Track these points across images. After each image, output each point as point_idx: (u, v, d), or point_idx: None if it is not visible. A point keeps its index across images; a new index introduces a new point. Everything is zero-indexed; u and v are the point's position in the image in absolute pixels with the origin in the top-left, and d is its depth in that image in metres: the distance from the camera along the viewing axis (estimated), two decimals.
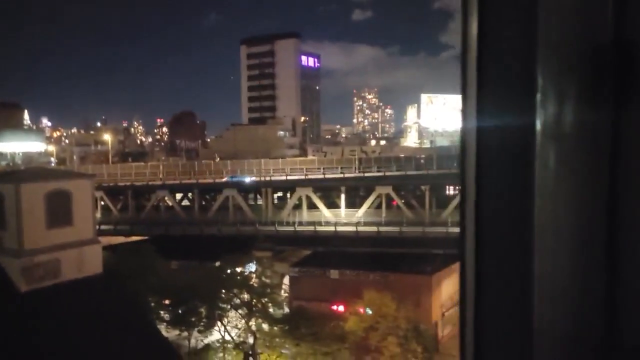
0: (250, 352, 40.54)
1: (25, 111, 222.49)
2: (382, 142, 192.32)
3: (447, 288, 55.28)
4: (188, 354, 40.94)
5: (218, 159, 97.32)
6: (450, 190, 72.72)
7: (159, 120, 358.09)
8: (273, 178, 70.41)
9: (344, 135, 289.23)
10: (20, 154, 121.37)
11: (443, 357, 47.31)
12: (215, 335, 42.64)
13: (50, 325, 26.35)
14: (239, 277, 46.52)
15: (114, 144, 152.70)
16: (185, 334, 42.72)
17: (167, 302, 43.71)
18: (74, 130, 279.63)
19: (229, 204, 69.72)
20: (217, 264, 52.64)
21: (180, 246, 61.73)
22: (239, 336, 41.77)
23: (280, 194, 78.24)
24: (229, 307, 43.43)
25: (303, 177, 69.21)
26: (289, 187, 71.21)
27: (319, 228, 64.46)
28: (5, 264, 28.79)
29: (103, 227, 61.61)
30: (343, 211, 66.60)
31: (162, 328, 39.40)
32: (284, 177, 70.33)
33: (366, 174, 68.33)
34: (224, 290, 44.14)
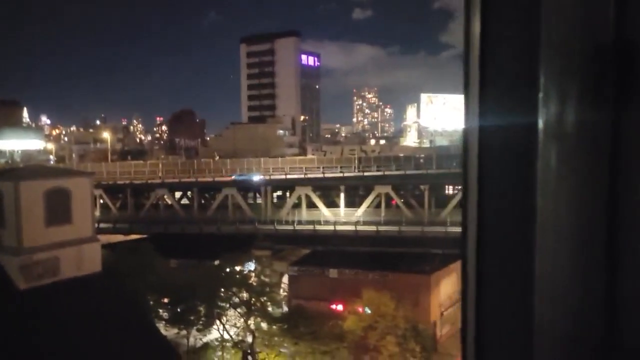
0: (249, 351, 40.53)
1: (25, 109, 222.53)
2: (382, 142, 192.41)
3: (445, 288, 55.30)
4: (187, 353, 40.91)
5: (217, 157, 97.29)
6: (450, 190, 72.83)
7: (158, 118, 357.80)
8: (274, 177, 70.43)
9: (343, 135, 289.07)
10: (20, 152, 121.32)
11: (441, 357, 47.33)
12: (214, 334, 42.63)
13: (49, 323, 26.35)
14: (238, 276, 46.48)
15: (113, 142, 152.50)
16: (184, 332, 42.69)
17: (166, 300, 43.70)
18: (73, 128, 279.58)
19: (228, 203, 69.71)
20: (216, 262, 52.61)
21: (180, 245, 61.72)
22: (237, 335, 41.77)
23: (279, 193, 78.20)
24: (227, 305, 43.41)
25: (302, 176, 69.19)
26: (289, 186, 71.18)
27: (318, 227, 64.46)
28: (4, 262, 28.78)
29: (102, 225, 61.63)
30: (342, 210, 66.60)
31: (161, 326, 39.42)
32: (283, 176, 70.33)
33: (365, 174, 68.31)
34: (223, 289, 44.12)
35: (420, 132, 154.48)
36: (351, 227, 63.59)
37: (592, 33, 1.26)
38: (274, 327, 40.70)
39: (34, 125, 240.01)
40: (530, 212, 1.25)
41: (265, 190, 69.23)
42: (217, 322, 42.32)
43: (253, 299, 43.39)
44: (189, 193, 77.40)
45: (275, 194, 75.70)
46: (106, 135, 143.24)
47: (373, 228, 62.96)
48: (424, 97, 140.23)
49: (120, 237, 64.88)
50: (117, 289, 31.98)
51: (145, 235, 66.76)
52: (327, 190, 72.64)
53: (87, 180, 34.47)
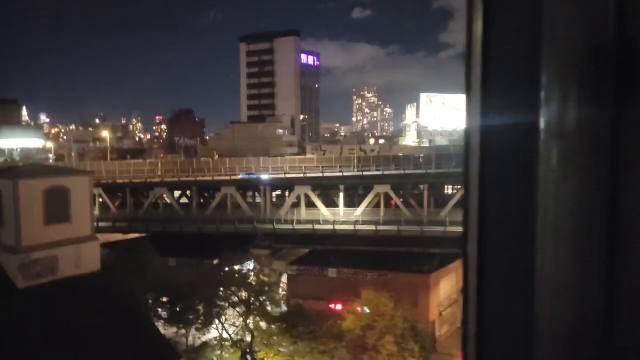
0: (248, 351, 40.51)
1: (24, 107, 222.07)
2: (381, 141, 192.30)
3: (445, 287, 55.36)
4: (186, 352, 40.89)
5: (217, 156, 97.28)
6: (449, 190, 72.80)
7: (157, 117, 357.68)
8: (273, 176, 70.43)
9: (343, 134, 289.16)
10: (19, 151, 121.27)
11: (440, 357, 47.35)
12: (213, 333, 42.61)
13: (48, 322, 26.35)
14: (237, 275, 46.49)
15: (113, 141, 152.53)
16: (183, 331, 42.72)
17: (165, 299, 43.72)
18: (73, 127, 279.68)
19: (227, 202, 69.69)
20: (216, 261, 52.70)
21: (179, 244, 61.74)
22: (236, 334, 41.74)
23: (279, 192, 78.19)
24: (226, 305, 43.41)
25: (302, 175, 69.18)
26: (288, 185, 71.15)
27: (317, 226, 64.45)
28: (3, 261, 28.80)
29: (101, 224, 61.60)
30: (342, 210, 66.57)
31: (160, 326, 39.42)
32: (282, 175, 70.33)
33: (365, 173, 68.25)
34: (222, 288, 44.13)
35: (420, 132, 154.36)
36: (350, 227, 63.56)
37: (593, 32, 1.26)
38: (273, 326, 40.66)
39: (33, 124, 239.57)
40: (531, 212, 1.26)
41: (264, 190, 69.19)
42: (216, 321, 42.32)
43: (252, 299, 43.40)
44: (188, 192, 77.39)
45: (274, 194, 75.61)
46: (105, 134, 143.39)
47: (372, 228, 62.97)
48: (423, 96, 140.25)
49: (119, 236, 64.96)
50: (116, 288, 31.97)
51: (144, 235, 66.85)
52: (327, 190, 72.62)
53: (87, 179, 34.48)
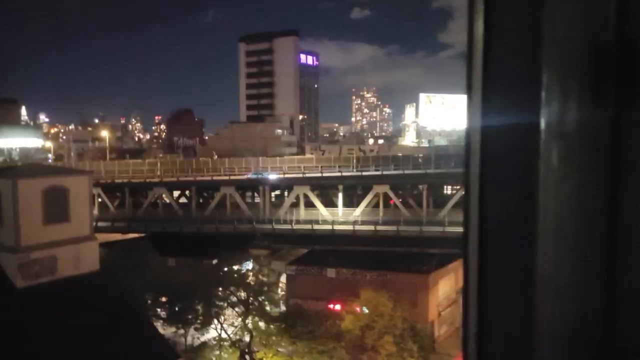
0: (247, 350, 40.51)
1: (23, 107, 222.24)
2: (380, 141, 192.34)
3: (443, 287, 55.37)
4: (185, 352, 40.89)
5: (216, 156, 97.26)
6: (448, 190, 72.76)
7: (156, 117, 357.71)
8: (272, 176, 70.46)
9: (342, 134, 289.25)
10: (18, 150, 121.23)
11: (439, 357, 47.37)
12: (211, 333, 42.60)
13: (46, 322, 26.35)
14: (235, 275, 46.49)
15: (112, 141, 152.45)
16: (182, 331, 42.71)
17: (164, 299, 43.71)
18: (72, 126, 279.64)
19: (226, 202, 69.67)
20: (214, 261, 52.68)
21: (178, 243, 61.73)
22: (235, 334, 41.75)
23: (277, 192, 78.18)
24: (225, 305, 43.40)
25: (301, 175, 69.17)
26: (287, 185, 71.13)
27: (316, 226, 64.38)
28: (2, 260, 28.80)
29: (100, 224, 61.57)
30: (340, 210, 66.52)
31: (159, 325, 39.41)
32: (281, 175, 70.32)
33: (364, 173, 68.24)
34: (220, 288, 44.14)
35: (419, 132, 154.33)
36: (349, 227, 63.50)
37: (593, 32, 1.27)
38: (272, 326, 40.65)
39: (32, 123, 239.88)
40: (531, 212, 1.26)
41: (263, 190, 69.17)
42: (215, 321, 42.32)
43: (251, 298, 43.39)
44: (187, 192, 77.37)
45: (273, 193, 75.59)
46: (104, 133, 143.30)
47: (371, 228, 62.93)
48: (422, 96, 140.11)
49: (118, 236, 64.90)
50: (115, 287, 31.96)
51: (143, 234, 66.80)
52: (326, 190, 72.61)
53: (86, 179, 34.45)
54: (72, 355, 25.96)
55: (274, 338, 40.22)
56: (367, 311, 41.89)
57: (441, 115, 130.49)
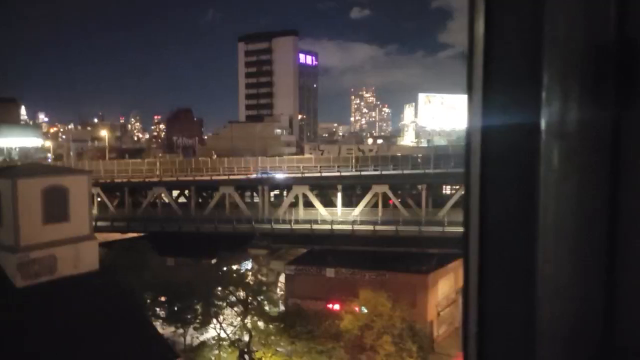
0: (246, 350, 40.51)
1: (22, 106, 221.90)
2: (379, 141, 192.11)
3: (443, 287, 55.37)
4: (184, 351, 40.91)
5: (215, 156, 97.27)
6: (447, 190, 72.76)
7: (156, 117, 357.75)
8: (271, 175, 70.47)
9: (341, 134, 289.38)
10: (17, 150, 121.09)
11: (438, 357, 47.37)
12: (210, 333, 42.61)
13: (46, 321, 26.34)
14: (234, 275, 46.50)
15: (111, 141, 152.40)
16: (181, 331, 42.71)
17: (163, 299, 43.70)
18: (71, 126, 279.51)
19: (225, 202, 69.65)
20: (214, 261, 52.67)
21: (177, 243, 61.72)
22: (234, 334, 41.74)
23: (276, 192, 78.18)
24: (224, 304, 43.41)
25: (300, 175, 69.15)
26: (286, 185, 71.10)
27: (315, 226, 64.34)
28: (1, 260, 28.77)
29: (99, 223, 61.48)
30: (339, 209, 66.49)
31: (158, 325, 39.40)
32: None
33: (363, 173, 68.23)
34: (219, 288, 44.16)
35: (418, 132, 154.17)
36: (348, 227, 63.43)
37: (593, 32, 1.27)
38: (271, 326, 40.67)
39: (31, 122, 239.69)
40: (532, 212, 1.26)
41: (262, 190, 69.14)
42: (214, 320, 42.32)
43: (250, 298, 43.40)
44: (186, 192, 77.35)
45: (272, 193, 75.60)
46: (104, 133, 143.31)
47: (370, 227, 62.88)
48: (421, 96, 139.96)
49: (117, 236, 64.89)
50: (114, 287, 31.94)
51: (142, 234, 66.76)
52: (325, 190, 72.59)
53: (85, 179, 34.41)
54: (71, 355, 25.96)
55: (273, 338, 40.24)
56: (366, 311, 41.89)
57: (440, 115, 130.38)
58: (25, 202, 29.34)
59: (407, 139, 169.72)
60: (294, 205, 67.49)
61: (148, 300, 42.49)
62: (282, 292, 55.63)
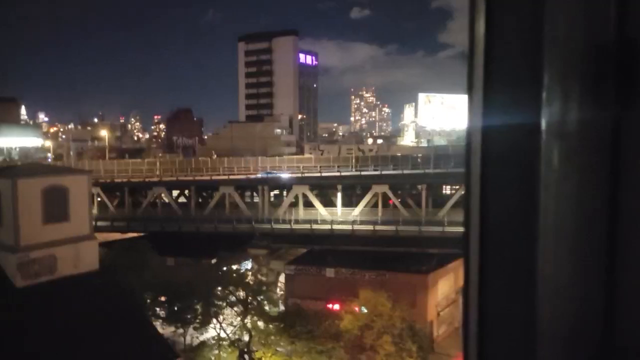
0: (246, 350, 40.51)
1: (23, 106, 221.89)
2: (379, 141, 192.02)
3: (442, 287, 55.37)
4: (184, 351, 40.91)
5: (215, 156, 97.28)
6: (447, 190, 72.75)
7: (156, 116, 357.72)
8: (270, 175, 70.48)
9: (341, 134, 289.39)
10: (17, 149, 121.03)
11: (438, 357, 47.37)
12: (210, 333, 42.61)
13: (46, 321, 26.34)
14: (234, 275, 46.50)
15: (111, 140, 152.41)
16: (181, 330, 42.71)
17: (163, 299, 43.70)
18: (71, 125, 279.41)
19: (225, 202, 69.65)
20: (213, 261, 52.68)
21: (177, 243, 61.72)
22: (234, 333, 41.75)
23: (276, 192, 78.20)
24: (224, 304, 43.42)
25: (300, 174, 69.14)
26: (286, 185, 71.11)
27: (315, 226, 64.31)
28: (1, 260, 28.77)
29: (99, 223, 61.46)
30: (339, 210, 66.47)
31: (158, 325, 39.40)
32: (280, 175, 70.30)
33: (363, 173, 68.26)
34: (219, 288, 44.16)
35: (418, 132, 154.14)
36: (348, 227, 63.40)
37: (593, 32, 1.27)
38: (271, 326, 40.67)
39: (31, 122, 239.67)
40: (532, 212, 1.26)
41: (262, 189, 69.13)
42: (214, 320, 42.32)
43: (250, 298, 43.40)
44: (186, 192, 77.35)
45: (272, 193, 75.61)
46: (104, 133, 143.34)
47: (370, 227, 62.85)
48: (421, 96, 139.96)
49: (117, 236, 64.89)
50: (114, 287, 31.94)
51: (142, 234, 66.76)
52: (324, 190, 72.58)
53: (85, 178, 34.40)
54: (71, 355, 25.95)
55: (272, 338, 40.25)
56: (365, 311, 41.89)
57: (440, 115, 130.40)
58: (25, 201, 29.34)
59: (407, 139, 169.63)
60: (294, 205, 67.48)
61: (148, 300, 42.50)
62: (282, 292, 55.64)
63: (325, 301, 48.79)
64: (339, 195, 66.78)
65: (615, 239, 1.32)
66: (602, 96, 1.28)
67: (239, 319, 42.34)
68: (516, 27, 1.27)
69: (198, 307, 42.71)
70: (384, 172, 66.58)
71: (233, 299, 43.69)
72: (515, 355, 1.34)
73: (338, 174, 68.90)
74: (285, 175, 69.64)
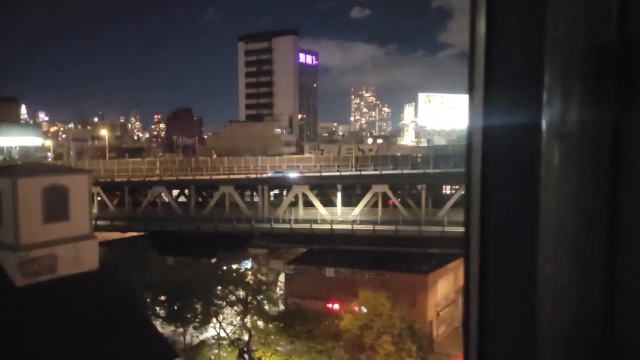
0: (245, 349, 40.52)
1: (23, 105, 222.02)
2: (379, 141, 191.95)
3: (442, 287, 55.37)
4: (183, 351, 40.91)
5: (215, 155, 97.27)
6: (447, 190, 72.74)
7: (156, 116, 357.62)
8: (270, 175, 70.48)
9: (340, 133, 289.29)
10: (17, 149, 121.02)
11: (438, 357, 47.37)
12: (210, 332, 42.61)
13: (46, 320, 26.32)
14: (234, 274, 46.47)
15: (111, 140, 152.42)
16: (181, 330, 42.69)
17: (162, 298, 43.70)
18: (71, 125, 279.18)
19: (225, 201, 69.66)
20: (213, 260, 52.65)
21: (177, 242, 61.73)
22: (234, 333, 41.75)
23: (276, 191, 78.20)
24: (224, 303, 43.42)
25: (299, 174, 69.12)
26: (286, 184, 71.10)
27: (314, 226, 64.31)
28: (2, 259, 28.75)
29: (100, 222, 61.53)
30: (339, 209, 66.48)
31: (158, 324, 39.38)
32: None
33: (363, 173, 68.24)
34: (219, 287, 44.15)
35: (418, 132, 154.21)
36: (348, 226, 63.41)
37: (594, 32, 1.27)
38: (270, 325, 40.66)
39: (31, 121, 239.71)
40: (533, 212, 1.26)
41: (262, 189, 69.14)
42: (214, 320, 42.32)
43: (249, 297, 43.39)
44: (186, 191, 77.36)
45: (272, 193, 75.61)
46: (104, 132, 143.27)
47: (370, 227, 62.84)
48: (421, 96, 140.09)
49: (117, 235, 64.92)
50: (114, 286, 31.93)
51: (142, 233, 66.75)
52: (324, 189, 72.56)
53: (85, 178, 34.38)
54: (71, 354, 25.94)
55: (272, 337, 40.24)
56: (365, 311, 41.88)
57: (440, 115, 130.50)
58: (25, 201, 29.32)
59: (407, 139, 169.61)
60: (294, 204, 67.48)
61: (148, 300, 42.49)
62: (281, 292, 55.62)
63: (324, 301, 48.78)
64: (339, 195, 66.79)
65: (615, 239, 1.32)
66: (602, 96, 1.28)
67: (238, 318, 42.34)
68: (517, 27, 1.27)
69: (198, 306, 42.70)
70: (383, 172, 66.56)
71: (233, 298, 43.68)
72: (516, 355, 1.34)
73: (338, 173, 68.88)
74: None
